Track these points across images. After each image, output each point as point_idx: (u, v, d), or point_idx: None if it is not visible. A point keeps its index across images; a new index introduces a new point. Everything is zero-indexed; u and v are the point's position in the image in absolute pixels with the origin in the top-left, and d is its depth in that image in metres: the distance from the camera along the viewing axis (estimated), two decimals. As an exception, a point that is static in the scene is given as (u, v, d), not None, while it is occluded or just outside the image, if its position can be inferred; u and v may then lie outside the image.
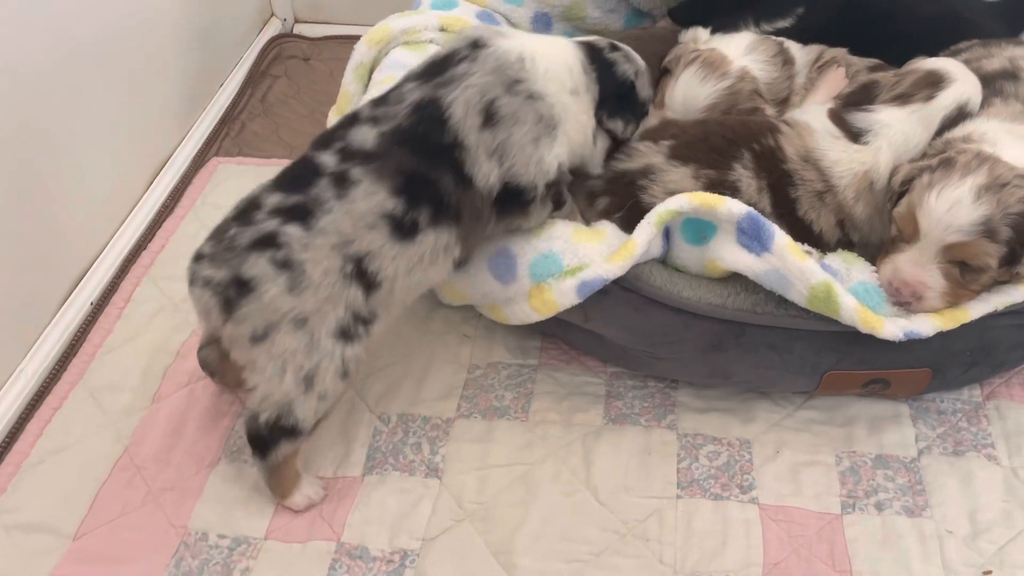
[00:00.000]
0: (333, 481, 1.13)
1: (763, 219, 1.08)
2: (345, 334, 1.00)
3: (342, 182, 1.00)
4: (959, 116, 1.16)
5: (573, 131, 1.11)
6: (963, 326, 1.07)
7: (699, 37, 1.37)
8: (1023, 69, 1.22)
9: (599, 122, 1.14)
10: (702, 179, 1.15)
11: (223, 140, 1.71)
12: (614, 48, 1.17)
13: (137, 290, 1.38)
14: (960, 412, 1.18)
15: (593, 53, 1.14)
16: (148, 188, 1.56)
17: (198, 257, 1.02)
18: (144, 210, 1.52)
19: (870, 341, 1.06)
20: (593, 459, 1.14)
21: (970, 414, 1.18)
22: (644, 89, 1.19)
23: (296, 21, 2.03)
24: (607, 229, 1.15)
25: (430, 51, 1.38)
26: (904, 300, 1.07)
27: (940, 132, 1.16)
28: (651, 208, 1.11)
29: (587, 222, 1.19)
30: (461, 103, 1.03)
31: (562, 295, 1.10)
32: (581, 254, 1.11)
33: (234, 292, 0.98)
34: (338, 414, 1.20)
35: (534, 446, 1.15)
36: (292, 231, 0.98)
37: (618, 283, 1.10)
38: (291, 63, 1.91)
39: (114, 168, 1.47)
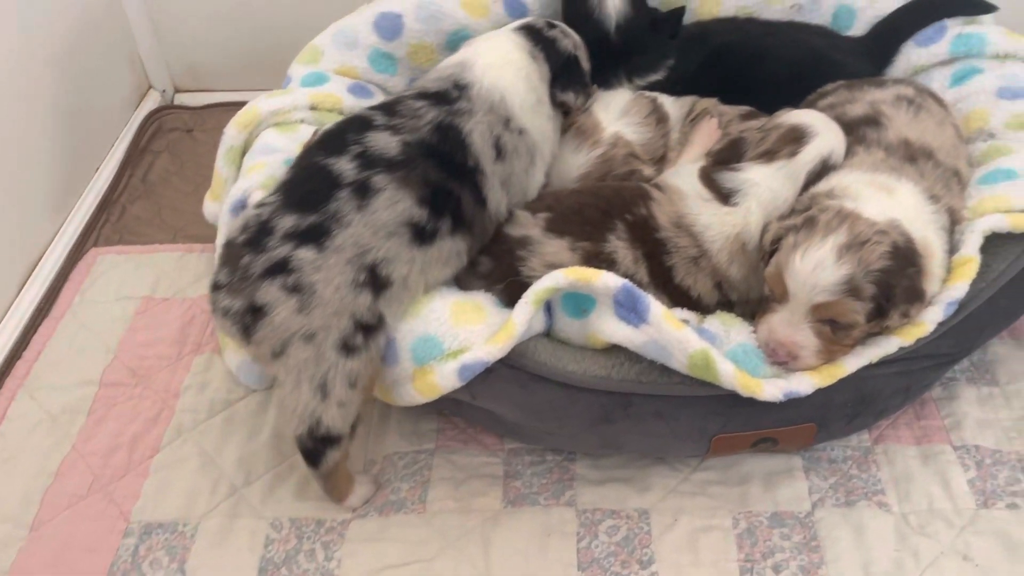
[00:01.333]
0: (223, 601, 1.09)
1: (639, 291, 1.07)
2: (346, 347, 1.03)
3: (364, 191, 1.05)
4: (823, 170, 1.17)
5: (546, 148, 1.22)
6: (841, 380, 1.08)
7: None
8: (884, 114, 1.24)
9: (552, 98, 1.22)
10: (578, 251, 1.14)
11: (102, 228, 1.64)
12: (551, 26, 1.26)
13: (12, 406, 1.32)
14: (850, 460, 1.19)
15: (535, 35, 1.23)
16: (20, 291, 1.48)
17: (216, 287, 1.05)
18: (16, 316, 1.44)
19: (754, 402, 1.07)
20: (492, 547, 1.12)
21: (860, 460, 1.19)
22: (585, 61, 1.28)
23: (176, 91, 1.97)
24: (488, 307, 1.13)
25: (301, 131, 1.36)
26: (781, 360, 1.07)
27: (807, 186, 1.17)
28: (531, 280, 1.10)
29: (467, 287, 1.18)
30: (478, 135, 1.13)
31: (444, 379, 1.08)
32: (461, 337, 1.09)
33: (250, 319, 1.02)
34: (227, 522, 1.16)
35: (431, 540, 1.13)
36: (304, 255, 1.02)
37: (503, 361, 1.09)
38: (173, 136, 1.86)
39: (-21, 274, 1.41)
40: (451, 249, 1.11)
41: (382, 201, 1.05)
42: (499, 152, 1.14)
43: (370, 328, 1.05)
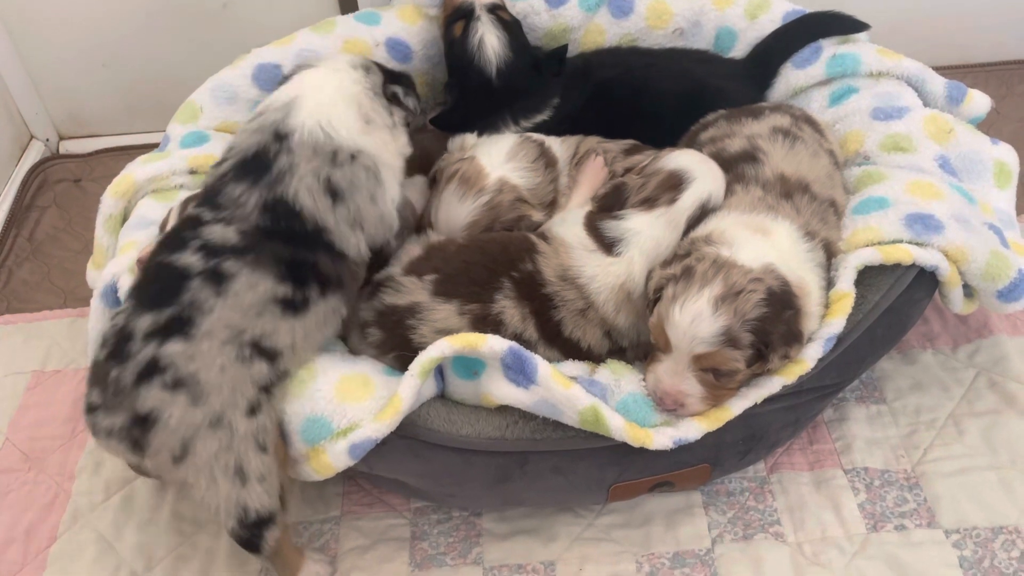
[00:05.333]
0: None
1: (526, 353, 1.08)
2: (253, 410, 1.01)
3: (217, 278, 1.02)
4: (703, 213, 1.19)
5: (387, 155, 1.16)
6: (730, 421, 1.11)
7: (467, 143, 1.36)
8: (761, 149, 1.26)
9: (387, 95, 1.20)
10: (467, 315, 1.14)
11: (-12, 296, 1.58)
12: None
13: None
14: (747, 491, 1.23)
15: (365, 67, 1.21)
16: (-101, 377, 1.42)
17: (91, 409, 1.01)
18: None
19: (647, 450, 1.09)
20: (399, 617, 1.12)
21: (756, 491, 1.22)
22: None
23: (61, 138, 1.90)
24: (375, 379, 1.12)
25: (180, 196, 1.31)
26: (669, 408, 1.09)
27: (688, 230, 1.19)
28: (423, 347, 1.09)
29: (357, 352, 1.18)
30: (304, 192, 1.07)
31: (335, 458, 1.07)
32: (350, 415, 1.08)
33: (138, 431, 0.98)
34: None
35: (339, 614, 1.13)
36: (172, 348, 0.99)
37: (396, 432, 1.08)
38: (60, 188, 1.79)
39: None
40: (326, 310, 1.10)
41: (241, 284, 1.03)
42: (335, 195, 1.09)
43: (270, 385, 1.04)
